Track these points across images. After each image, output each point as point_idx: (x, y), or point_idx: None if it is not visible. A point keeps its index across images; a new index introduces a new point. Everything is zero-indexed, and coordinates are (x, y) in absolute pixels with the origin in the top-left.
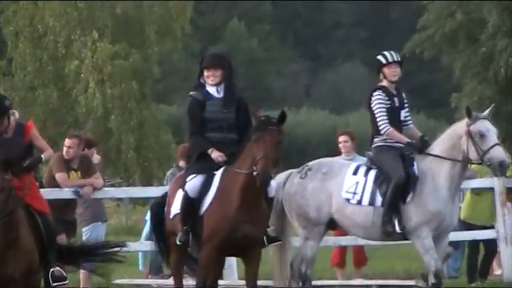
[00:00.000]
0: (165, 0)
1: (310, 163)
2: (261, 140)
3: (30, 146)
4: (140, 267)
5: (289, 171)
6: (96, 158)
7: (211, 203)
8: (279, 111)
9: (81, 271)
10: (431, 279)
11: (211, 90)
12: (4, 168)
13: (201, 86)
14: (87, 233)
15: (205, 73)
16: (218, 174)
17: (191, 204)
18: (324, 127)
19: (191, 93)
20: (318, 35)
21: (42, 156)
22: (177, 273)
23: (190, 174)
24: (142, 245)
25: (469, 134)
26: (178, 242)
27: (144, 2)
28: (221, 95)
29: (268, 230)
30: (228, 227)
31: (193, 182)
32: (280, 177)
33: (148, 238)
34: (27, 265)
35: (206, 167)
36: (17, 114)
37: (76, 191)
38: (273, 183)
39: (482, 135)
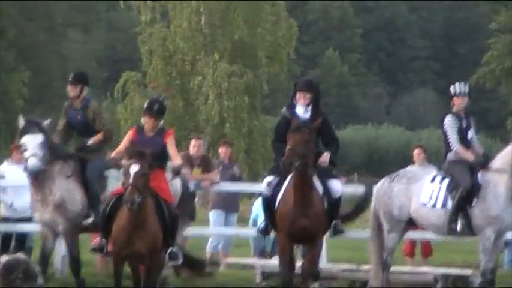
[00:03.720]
0: (275, 31)
1: (401, 170)
2: (291, 138)
3: (165, 148)
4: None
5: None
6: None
7: (280, 201)
8: (364, 126)
9: None
10: (478, 277)
11: (300, 110)
12: (144, 159)
13: (292, 106)
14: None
15: (298, 95)
16: (289, 176)
17: (266, 200)
18: (400, 141)
19: (282, 111)
20: (398, 65)
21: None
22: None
23: (269, 176)
24: (250, 231)
25: None
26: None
27: (258, 31)
28: (307, 114)
29: (334, 223)
30: (288, 221)
31: (268, 183)
32: (377, 184)
33: (253, 225)
34: (152, 244)
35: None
36: (161, 123)
37: (197, 184)
38: (337, 185)
39: None
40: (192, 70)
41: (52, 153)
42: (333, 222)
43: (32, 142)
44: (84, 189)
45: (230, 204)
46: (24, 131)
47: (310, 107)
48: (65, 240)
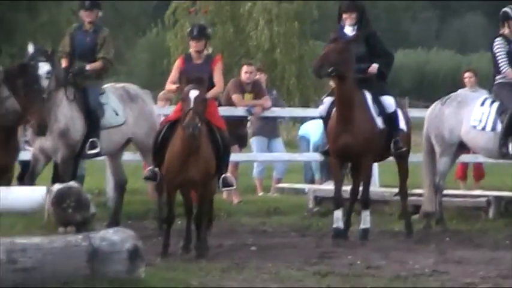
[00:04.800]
0: None
1: (452, 94)
2: (325, 48)
3: (212, 75)
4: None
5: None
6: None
7: (330, 120)
8: (414, 50)
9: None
10: None
11: (348, 30)
12: (202, 84)
13: (340, 28)
14: (253, 143)
15: (344, 16)
16: None
17: (324, 121)
18: (450, 64)
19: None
20: None
21: (207, 95)
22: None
23: (326, 97)
24: (302, 156)
25: None
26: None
27: None
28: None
29: (394, 140)
30: (331, 138)
31: (324, 104)
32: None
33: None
34: (206, 170)
35: None
36: (210, 49)
37: (248, 110)
38: (390, 100)
39: None
40: None
41: (56, 80)
42: (392, 139)
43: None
44: (84, 116)
45: (271, 130)
46: (32, 59)
47: (356, 27)
48: (60, 168)
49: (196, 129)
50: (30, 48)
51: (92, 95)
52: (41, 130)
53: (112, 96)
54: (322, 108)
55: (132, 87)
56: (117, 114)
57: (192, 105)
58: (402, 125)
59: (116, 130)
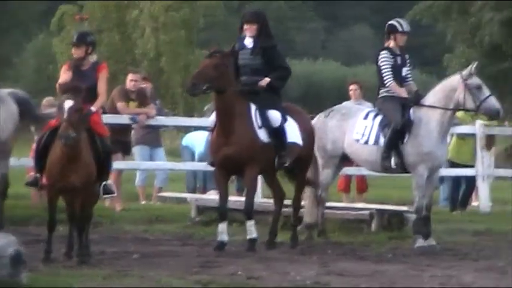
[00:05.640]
0: None
1: (336, 106)
2: (201, 62)
3: (97, 82)
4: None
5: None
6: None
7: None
8: (300, 60)
9: None
10: (413, 213)
11: (248, 41)
12: (78, 94)
13: (241, 38)
14: (136, 152)
15: (245, 27)
16: None
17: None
18: (335, 76)
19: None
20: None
21: (93, 108)
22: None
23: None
24: (185, 165)
25: (467, 87)
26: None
27: None
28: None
29: (279, 154)
30: (213, 150)
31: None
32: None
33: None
34: (86, 177)
35: None
36: (95, 57)
37: (133, 118)
38: (275, 114)
39: (479, 87)
40: (129, 4)
41: None
42: (277, 154)
43: None
44: None
45: (154, 139)
46: None
47: (256, 38)
48: None
49: (69, 140)
50: None
51: None
52: None
53: None
54: (211, 120)
55: None
56: None
57: (65, 115)
58: (294, 139)
59: None
